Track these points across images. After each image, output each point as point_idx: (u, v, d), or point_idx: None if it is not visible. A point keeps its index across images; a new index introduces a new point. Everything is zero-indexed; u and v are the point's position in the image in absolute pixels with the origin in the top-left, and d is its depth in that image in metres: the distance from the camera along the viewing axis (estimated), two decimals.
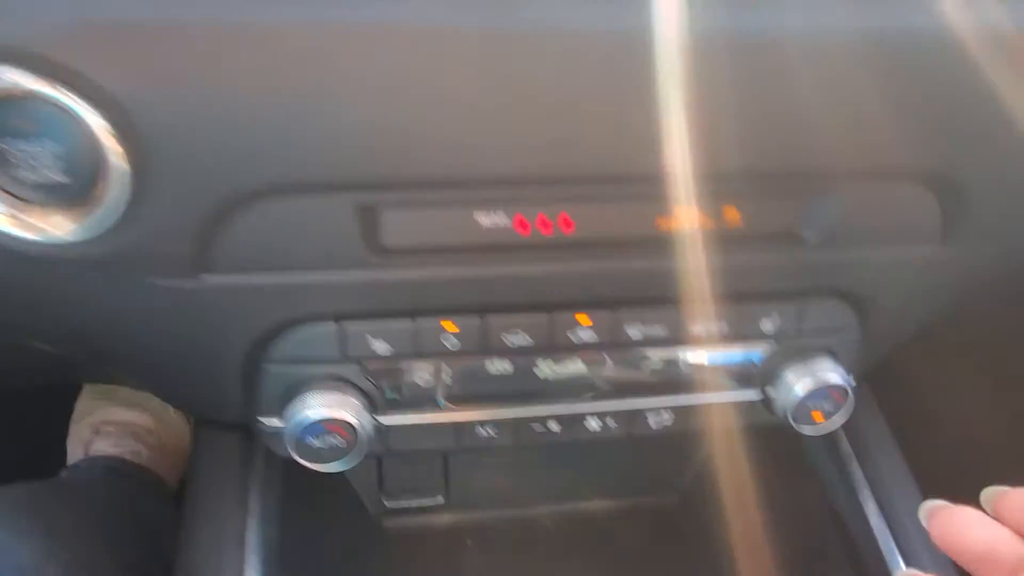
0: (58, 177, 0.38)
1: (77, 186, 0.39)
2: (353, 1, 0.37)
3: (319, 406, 0.51)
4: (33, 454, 1.23)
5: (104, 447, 1.22)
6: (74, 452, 1.22)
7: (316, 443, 0.52)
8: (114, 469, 1.17)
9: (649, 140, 0.42)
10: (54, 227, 0.39)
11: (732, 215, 0.49)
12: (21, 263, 0.41)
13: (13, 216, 0.39)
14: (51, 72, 0.36)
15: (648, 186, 0.45)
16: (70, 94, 0.36)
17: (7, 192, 0.39)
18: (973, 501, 0.39)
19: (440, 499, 0.78)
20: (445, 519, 0.79)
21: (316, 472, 0.62)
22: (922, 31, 0.41)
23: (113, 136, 0.37)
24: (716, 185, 0.46)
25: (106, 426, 1.27)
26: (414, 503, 0.78)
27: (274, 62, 0.37)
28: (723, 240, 0.49)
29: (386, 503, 0.78)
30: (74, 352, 0.62)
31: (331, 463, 0.53)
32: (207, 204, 0.40)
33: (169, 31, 0.36)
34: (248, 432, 0.61)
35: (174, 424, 1.32)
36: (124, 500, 1.03)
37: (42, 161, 0.38)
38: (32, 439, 1.24)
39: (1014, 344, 0.83)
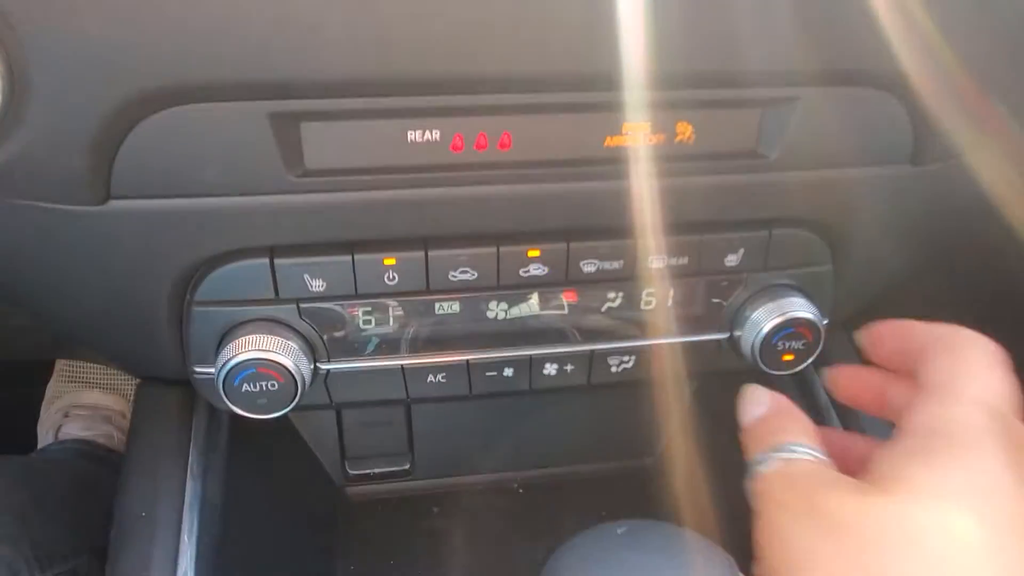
0: None
1: None
2: None
3: (251, 347, 0.47)
4: (3, 439, 1.20)
5: (74, 430, 1.20)
6: (44, 436, 1.19)
7: (249, 388, 0.48)
8: (85, 453, 1.14)
9: (594, 36, 0.38)
10: None
11: (685, 131, 0.45)
12: None
13: None
14: None
15: (594, 95, 0.42)
16: None
17: None
18: None
19: (406, 465, 0.75)
20: (411, 486, 0.75)
21: (273, 436, 0.59)
22: None
23: None
24: (668, 94, 0.43)
25: (77, 409, 1.25)
26: (378, 470, 0.75)
27: None
28: (677, 159, 0.46)
29: (349, 470, 0.75)
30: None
31: (266, 411, 0.49)
32: (98, 109, 0.37)
33: None
34: (189, 388, 0.57)
35: None
36: (89, 481, 1.00)
37: None
38: (3, 424, 1.22)
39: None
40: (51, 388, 1.31)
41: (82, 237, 0.43)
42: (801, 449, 0.34)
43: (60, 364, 1.33)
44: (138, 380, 1.19)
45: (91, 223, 0.42)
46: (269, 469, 0.66)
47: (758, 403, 0.38)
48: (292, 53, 0.37)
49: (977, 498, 0.28)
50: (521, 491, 0.75)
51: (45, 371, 1.29)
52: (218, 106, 0.38)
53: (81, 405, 1.26)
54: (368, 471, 0.75)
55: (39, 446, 1.18)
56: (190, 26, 0.35)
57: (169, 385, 0.58)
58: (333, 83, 0.39)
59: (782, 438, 0.35)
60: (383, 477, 0.75)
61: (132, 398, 1.25)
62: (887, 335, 0.38)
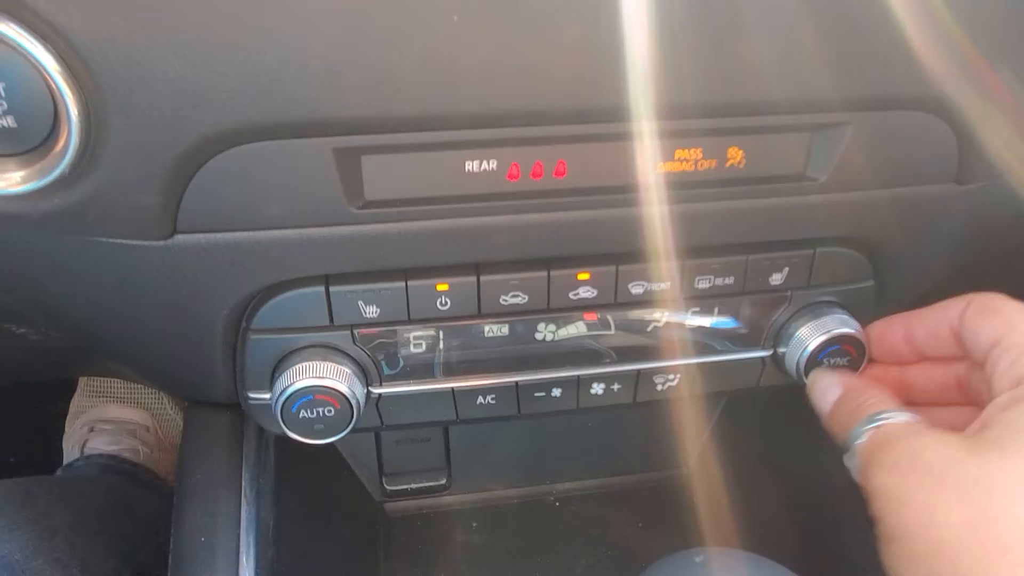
0: (5, 121, 0.36)
1: (28, 133, 0.36)
2: None
3: (308, 375, 0.48)
4: (30, 454, 1.21)
5: (100, 445, 1.21)
6: (70, 451, 1.20)
7: (306, 415, 0.49)
8: (110, 467, 1.15)
9: (648, 70, 0.39)
10: (2, 177, 0.36)
11: (736, 155, 0.46)
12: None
13: None
14: None
15: (647, 124, 0.42)
16: (15, 27, 0.34)
17: None
18: None
19: (443, 480, 0.76)
20: (448, 501, 0.76)
21: (314, 455, 0.60)
22: None
23: (62, 75, 0.34)
24: (719, 122, 0.43)
25: (101, 424, 1.26)
26: (415, 485, 0.76)
27: None
28: (728, 183, 0.46)
29: (387, 486, 0.76)
30: (56, 336, 0.60)
31: (322, 436, 0.50)
32: (171, 150, 0.38)
33: None
34: (239, 412, 0.58)
35: (171, 422, 1.30)
36: (121, 497, 1.01)
37: None
38: (28, 439, 1.23)
39: None
40: (75, 403, 1.32)
41: (146, 270, 0.44)
42: (891, 415, 0.35)
43: (84, 379, 1.34)
44: (160, 393, 1.20)
45: (156, 257, 0.43)
46: (313, 488, 0.67)
47: (831, 387, 0.39)
48: (358, 91, 0.38)
49: None
50: (558, 504, 0.75)
51: (65, 387, 1.30)
52: (284, 143, 0.39)
53: (106, 419, 1.26)
54: (405, 487, 0.76)
55: (65, 461, 1.18)
56: (262, 68, 0.36)
57: (218, 409, 0.59)
58: (396, 119, 0.40)
59: (868, 410, 0.36)
60: (420, 492, 0.76)
61: (153, 412, 1.26)
62: (894, 327, 0.39)
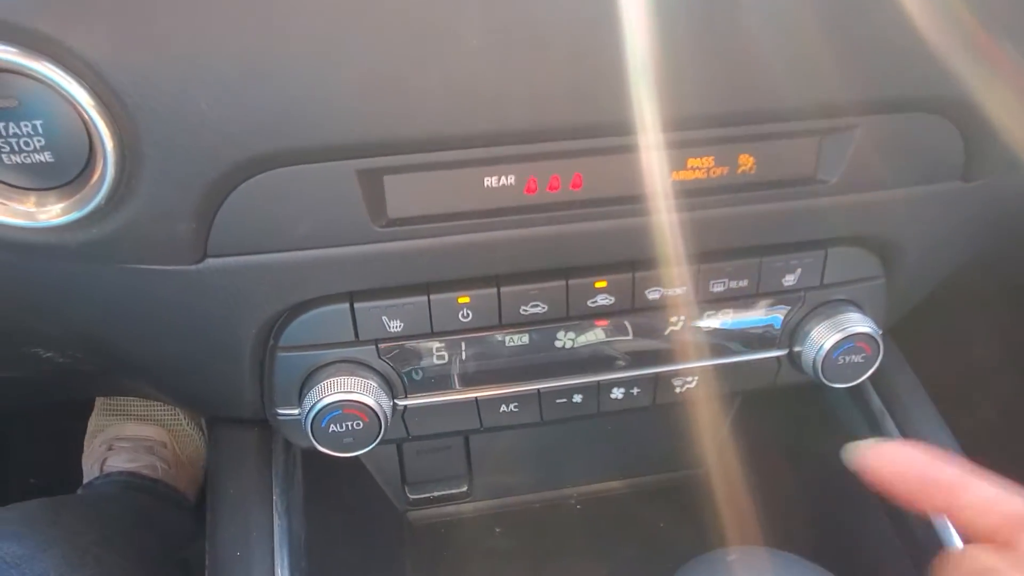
0: (42, 156, 0.37)
1: (65, 166, 0.37)
2: None
3: (336, 390, 0.49)
4: (50, 474, 1.22)
5: (119, 463, 1.22)
6: (90, 470, 1.21)
7: (336, 429, 0.50)
8: (131, 484, 1.16)
9: (659, 85, 0.40)
10: (42, 210, 0.38)
11: (747, 162, 0.47)
12: (17, 254, 0.40)
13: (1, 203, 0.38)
14: (30, 43, 0.34)
15: (660, 135, 0.43)
16: (50, 65, 0.35)
17: None
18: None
19: (464, 487, 0.77)
20: (471, 507, 0.77)
21: (338, 467, 0.61)
22: None
23: (96, 109, 0.36)
24: (730, 131, 0.44)
25: (120, 442, 1.27)
26: (437, 493, 0.77)
27: (260, 21, 0.36)
28: (740, 189, 0.47)
29: (410, 495, 0.77)
30: (81, 358, 0.61)
31: (351, 449, 0.51)
32: (203, 177, 0.39)
33: None
34: (264, 427, 0.59)
35: (188, 437, 1.31)
36: (144, 513, 1.02)
37: (26, 141, 0.36)
38: (48, 459, 1.24)
39: None
40: (93, 422, 1.33)
41: (178, 293, 0.45)
42: None
43: (100, 399, 1.36)
44: (175, 410, 1.21)
45: (188, 281, 0.44)
46: (340, 500, 0.68)
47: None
48: (380, 116, 0.39)
49: None
50: (579, 507, 0.76)
51: (81, 407, 1.32)
52: (310, 167, 0.40)
53: (124, 437, 1.28)
54: (428, 495, 0.77)
55: (85, 480, 1.20)
56: (290, 98, 0.37)
57: (244, 425, 0.60)
58: (416, 140, 0.41)
59: None
60: (443, 500, 0.77)
61: (170, 429, 1.27)
62: (895, 458, 0.35)
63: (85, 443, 1.32)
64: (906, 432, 0.64)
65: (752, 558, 0.40)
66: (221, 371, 0.53)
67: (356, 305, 0.49)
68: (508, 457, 0.77)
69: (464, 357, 0.53)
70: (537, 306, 0.51)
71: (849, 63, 0.43)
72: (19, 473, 1.22)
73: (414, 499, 0.77)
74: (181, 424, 1.33)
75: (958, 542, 0.57)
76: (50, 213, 0.37)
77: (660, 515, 0.74)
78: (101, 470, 1.19)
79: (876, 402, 0.66)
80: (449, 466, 0.76)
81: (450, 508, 0.77)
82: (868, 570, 0.64)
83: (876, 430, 0.64)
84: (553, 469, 0.78)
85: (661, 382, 0.56)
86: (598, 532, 0.74)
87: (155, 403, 1.32)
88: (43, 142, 0.36)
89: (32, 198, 0.37)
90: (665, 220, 0.48)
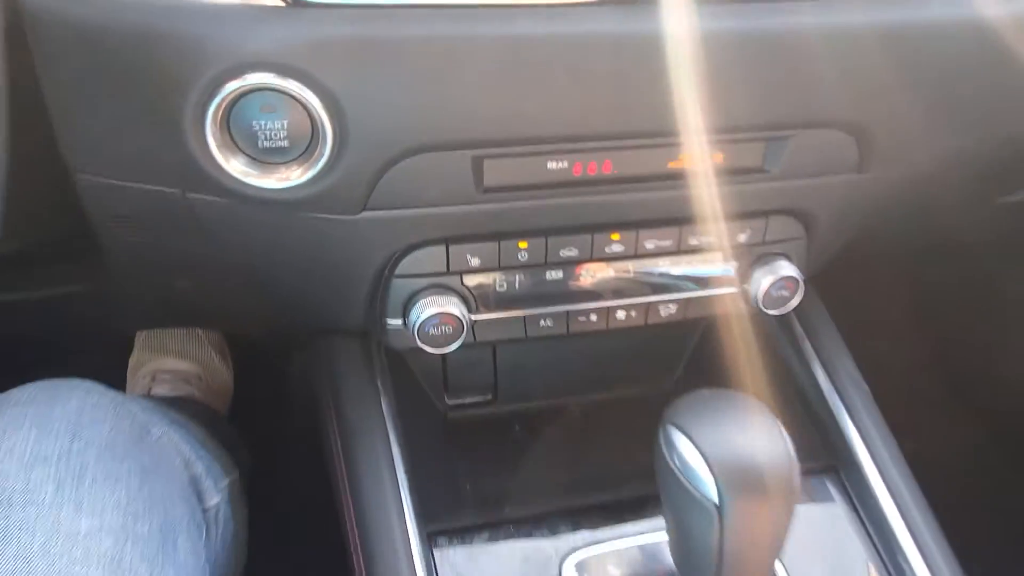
0: (283, 143, 0.58)
1: (293, 150, 0.59)
2: (484, 18, 0.58)
3: (436, 306, 0.72)
4: None
5: (163, 391, 1.40)
6: None
7: (434, 332, 0.73)
8: (183, 408, 1.35)
9: (660, 110, 0.63)
10: (285, 177, 0.59)
11: (718, 157, 0.71)
12: (254, 207, 0.62)
13: (256, 173, 0.59)
14: (290, 73, 0.56)
15: (661, 139, 0.67)
16: (295, 83, 0.56)
17: (250, 156, 0.59)
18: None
19: (489, 396, 1.00)
20: (496, 411, 1.00)
21: (399, 379, 0.84)
22: (838, 28, 0.64)
23: (326, 113, 0.57)
24: (710, 136, 0.68)
25: (162, 374, 1.44)
26: (469, 400, 1.00)
27: (427, 64, 0.58)
28: (712, 175, 0.71)
29: (448, 401, 0.99)
30: (215, 286, 0.82)
31: (443, 347, 0.74)
32: (379, 159, 0.61)
33: (364, 44, 0.56)
34: (364, 336, 0.82)
35: (217, 371, 1.50)
36: (213, 418, 1.21)
37: (275, 132, 0.58)
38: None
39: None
40: (134, 358, 1.50)
41: (338, 234, 0.67)
42: None
43: (140, 336, 1.53)
44: (208, 347, 1.41)
45: (346, 226, 0.66)
46: (404, 400, 0.90)
47: None
48: (491, 125, 0.61)
49: None
50: (580, 412, 1.00)
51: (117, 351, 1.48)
52: (443, 154, 0.63)
53: (165, 370, 1.45)
54: (462, 400, 1.00)
55: None
56: (442, 114, 0.59)
57: (348, 335, 0.82)
58: (509, 140, 0.63)
59: None
60: (473, 405, 1.00)
61: (202, 363, 1.46)
62: None
63: (128, 376, 1.49)
64: (817, 351, 0.89)
65: (722, 393, 0.63)
66: (345, 292, 0.75)
67: (451, 247, 0.71)
68: (524, 374, 0.99)
69: (518, 286, 0.76)
70: (571, 251, 0.74)
71: (790, 100, 0.67)
72: None
73: (452, 404, 0.99)
74: (212, 360, 1.52)
75: None
76: (292, 175, 0.59)
77: (641, 420, 0.98)
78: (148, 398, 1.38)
79: (798, 329, 0.91)
80: (480, 379, 0.99)
81: (480, 411, 1.00)
82: None
83: (797, 348, 0.90)
84: (560, 384, 1.00)
85: (652, 308, 0.80)
86: (594, 429, 0.98)
87: (187, 340, 1.51)
88: (284, 133, 0.58)
89: (279, 170, 0.59)
90: (662, 194, 0.71)
